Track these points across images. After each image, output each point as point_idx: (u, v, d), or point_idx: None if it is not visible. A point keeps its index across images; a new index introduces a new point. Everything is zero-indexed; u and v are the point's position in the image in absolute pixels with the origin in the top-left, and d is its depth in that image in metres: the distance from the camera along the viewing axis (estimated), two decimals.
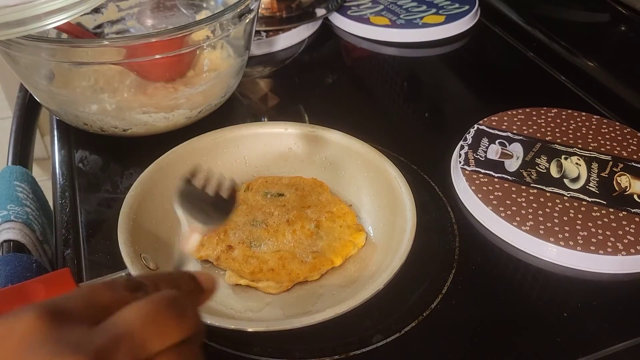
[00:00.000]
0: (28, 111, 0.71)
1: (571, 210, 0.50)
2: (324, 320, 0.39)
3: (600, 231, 0.49)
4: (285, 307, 0.44)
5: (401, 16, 0.81)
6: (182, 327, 0.24)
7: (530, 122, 0.60)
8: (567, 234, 0.48)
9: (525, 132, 0.59)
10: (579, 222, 0.49)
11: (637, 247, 0.47)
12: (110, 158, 0.60)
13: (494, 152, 0.56)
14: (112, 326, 0.23)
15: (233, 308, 0.44)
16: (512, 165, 0.55)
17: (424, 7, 0.83)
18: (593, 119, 0.60)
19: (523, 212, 0.50)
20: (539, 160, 0.56)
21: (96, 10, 0.70)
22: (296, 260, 0.46)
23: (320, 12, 0.80)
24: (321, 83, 0.74)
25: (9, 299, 0.38)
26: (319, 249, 0.47)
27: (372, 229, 0.50)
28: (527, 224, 0.49)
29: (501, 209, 0.51)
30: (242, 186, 0.53)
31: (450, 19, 0.80)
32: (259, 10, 0.72)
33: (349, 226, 0.49)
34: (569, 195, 0.52)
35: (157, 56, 0.54)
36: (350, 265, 0.47)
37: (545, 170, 0.54)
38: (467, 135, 0.58)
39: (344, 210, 0.50)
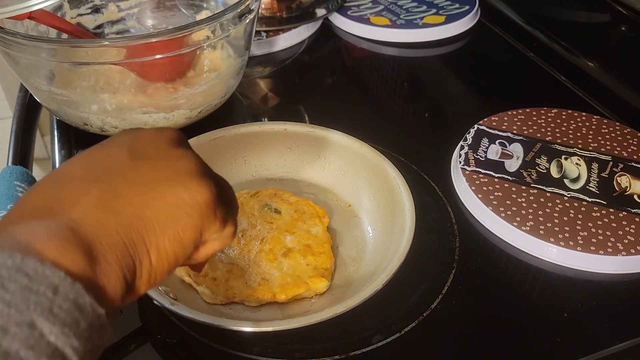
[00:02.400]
0: (28, 111, 0.71)
1: (571, 211, 0.50)
2: (322, 321, 0.39)
3: (600, 231, 0.49)
4: (284, 307, 0.44)
5: (401, 16, 0.81)
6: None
7: (530, 122, 0.60)
8: (567, 234, 0.48)
9: (526, 132, 0.59)
10: (579, 222, 0.49)
11: (638, 247, 0.47)
12: None
13: (494, 152, 0.56)
14: None
15: (231, 307, 0.44)
16: (512, 165, 0.55)
17: (424, 7, 0.83)
18: (593, 119, 0.60)
19: (523, 212, 0.50)
20: (539, 160, 0.56)
21: (96, 10, 0.70)
22: (242, 279, 0.44)
23: (320, 12, 0.80)
24: (321, 83, 0.74)
25: None
26: (270, 277, 0.45)
27: (371, 229, 0.50)
28: (527, 224, 0.49)
29: (501, 209, 0.51)
30: (251, 191, 0.52)
31: (451, 19, 0.80)
32: (259, 11, 0.72)
33: (315, 268, 0.45)
34: (569, 195, 0.52)
35: (158, 56, 0.54)
36: (349, 265, 0.47)
37: (545, 171, 0.54)
38: (467, 136, 0.58)
39: (325, 251, 0.47)
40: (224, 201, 0.30)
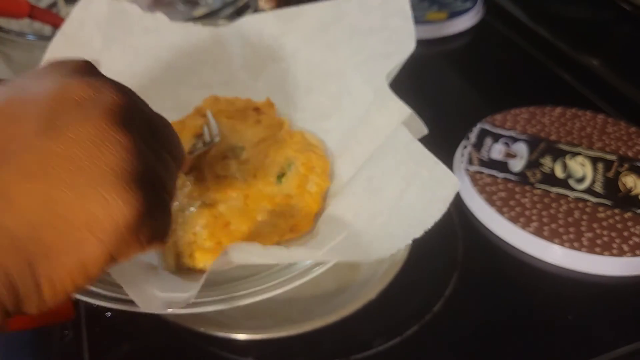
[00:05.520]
0: None
1: (576, 211, 0.50)
2: (312, 330, 0.38)
3: (605, 232, 0.48)
4: (276, 314, 0.43)
5: None
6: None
7: (534, 121, 0.59)
8: (572, 235, 0.47)
9: (529, 131, 0.58)
10: (583, 223, 0.49)
11: None
12: None
13: (497, 151, 0.56)
14: None
15: (221, 312, 0.43)
16: (516, 165, 0.54)
17: (427, 4, 0.82)
18: (598, 118, 0.59)
19: (527, 213, 0.49)
20: (544, 160, 0.55)
21: None
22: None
23: None
24: None
25: None
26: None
27: None
28: (531, 225, 0.48)
29: (505, 209, 0.50)
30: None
31: (453, 15, 0.79)
32: (258, 6, 0.71)
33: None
34: (573, 196, 0.51)
35: None
36: (346, 272, 0.46)
37: (549, 171, 0.54)
38: (470, 135, 0.57)
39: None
40: (156, 216, 0.23)
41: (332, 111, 0.45)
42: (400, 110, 0.37)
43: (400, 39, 0.41)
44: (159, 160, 0.24)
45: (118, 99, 0.22)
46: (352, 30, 0.44)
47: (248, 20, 0.47)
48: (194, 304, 0.32)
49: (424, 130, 0.36)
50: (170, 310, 0.32)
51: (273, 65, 0.47)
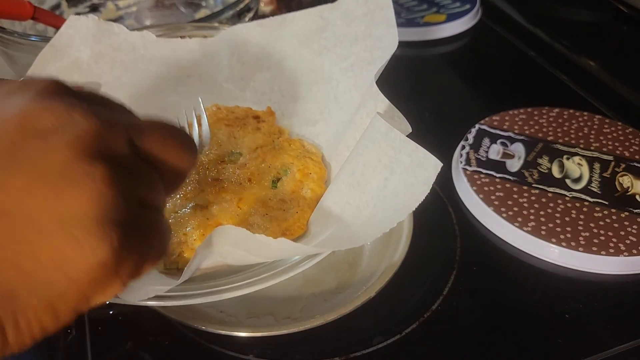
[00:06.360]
0: None
1: (573, 211, 0.50)
2: (312, 328, 0.39)
3: (602, 232, 0.48)
4: (277, 312, 0.44)
5: (402, 15, 0.80)
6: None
7: (531, 122, 0.60)
8: (569, 235, 0.48)
9: (527, 132, 0.58)
10: (580, 222, 0.49)
11: (639, 247, 0.47)
12: None
13: (495, 152, 0.56)
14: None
15: (223, 311, 0.44)
16: (514, 165, 0.55)
17: (425, 6, 0.82)
18: (595, 119, 0.60)
19: (525, 212, 0.50)
20: (541, 160, 0.55)
21: (94, 9, 0.69)
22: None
23: None
24: None
25: None
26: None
27: None
28: (529, 224, 0.49)
29: (502, 209, 0.50)
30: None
31: (452, 18, 0.79)
32: (259, 8, 0.72)
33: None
34: (570, 195, 0.52)
35: None
36: (345, 271, 0.47)
37: (547, 171, 0.54)
38: (468, 135, 0.58)
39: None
40: (137, 245, 0.21)
41: (318, 117, 0.45)
42: (387, 109, 0.37)
43: (384, 46, 0.42)
44: (143, 183, 0.22)
45: (86, 125, 0.20)
46: (337, 38, 0.44)
47: (234, 30, 0.47)
48: (181, 297, 0.33)
49: (408, 129, 0.37)
50: (148, 303, 0.32)
51: (260, 74, 0.48)
